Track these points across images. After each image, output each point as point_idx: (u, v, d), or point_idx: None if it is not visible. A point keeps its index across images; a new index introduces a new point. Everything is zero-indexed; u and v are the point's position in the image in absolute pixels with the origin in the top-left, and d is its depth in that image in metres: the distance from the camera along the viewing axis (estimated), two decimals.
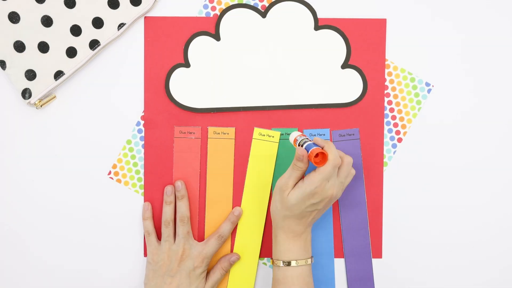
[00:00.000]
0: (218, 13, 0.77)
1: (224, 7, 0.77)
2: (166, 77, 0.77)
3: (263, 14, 0.76)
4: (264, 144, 0.77)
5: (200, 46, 0.76)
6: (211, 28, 0.77)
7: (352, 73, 0.77)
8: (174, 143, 0.77)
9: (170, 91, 0.77)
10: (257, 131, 0.77)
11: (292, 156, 0.77)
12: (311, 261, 0.71)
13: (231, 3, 0.77)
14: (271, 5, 0.76)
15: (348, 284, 0.78)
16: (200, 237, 0.78)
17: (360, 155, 0.77)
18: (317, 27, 0.76)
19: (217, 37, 0.76)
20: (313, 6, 0.76)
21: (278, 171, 0.77)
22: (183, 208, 0.76)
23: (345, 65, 0.77)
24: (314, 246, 0.78)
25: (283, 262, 0.70)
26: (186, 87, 0.77)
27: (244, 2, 0.77)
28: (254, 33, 0.76)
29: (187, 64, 0.77)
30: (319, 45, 0.76)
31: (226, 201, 0.78)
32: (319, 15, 0.77)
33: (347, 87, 0.77)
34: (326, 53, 0.77)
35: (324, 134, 0.77)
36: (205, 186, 0.78)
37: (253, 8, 0.76)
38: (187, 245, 0.74)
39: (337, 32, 0.76)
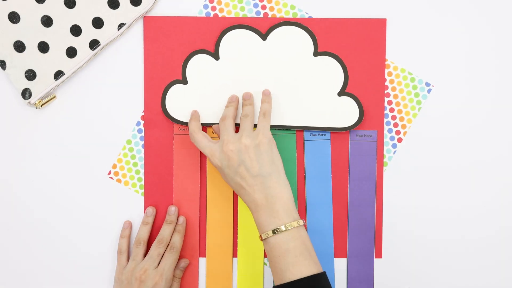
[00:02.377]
0: (219, 13, 0.77)
1: (224, 7, 0.77)
2: (163, 93, 0.77)
3: (264, 36, 0.76)
4: None
5: (198, 64, 0.76)
6: (211, 47, 0.76)
7: (348, 101, 0.76)
8: (174, 140, 0.77)
9: (166, 107, 0.76)
10: None
11: (285, 147, 0.77)
12: (303, 223, 0.67)
13: (231, 3, 0.77)
14: (272, 28, 0.76)
15: (348, 284, 0.78)
16: (201, 237, 0.78)
17: (375, 157, 0.77)
18: (317, 53, 0.76)
19: (216, 56, 0.76)
20: (313, 6, 0.76)
21: None
22: (167, 232, 0.75)
23: (341, 93, 0.76)
24: (314, 246, 0.78)
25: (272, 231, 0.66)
26: (182, 104, 0.77)
27: (247, 8, 0.76)
28: (253, 55, 0.76)
29: (184, 81, 0.77)
30: (318, 71, 0.76)
31: (226, 202, 0.78)
32: (318, 16, 0.77)
33: (343, 114, 0.76)
34: (324, 79, 0.76)
35: (324, 134, 0.77)
36: (205, 185, 0.78)
37: (254, 30, 0.76)
38: (151, 266, 0.73)
39: (336, 60, 0.76)
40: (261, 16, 0.77)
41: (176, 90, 0.77)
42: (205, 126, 0.77)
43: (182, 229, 0.76)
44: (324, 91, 0.76)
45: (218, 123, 0.76)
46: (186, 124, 0.77)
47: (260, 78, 0.76)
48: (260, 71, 0.76)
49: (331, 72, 0.76)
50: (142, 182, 0.78)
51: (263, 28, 0.76)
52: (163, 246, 0.74)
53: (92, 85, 0.77)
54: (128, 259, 0.76)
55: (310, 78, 0.76)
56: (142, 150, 0.78)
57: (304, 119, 0.76)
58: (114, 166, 0.78)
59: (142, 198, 0.78)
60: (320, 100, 0.76)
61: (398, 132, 0.78)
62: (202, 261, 0.78)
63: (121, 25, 0.75)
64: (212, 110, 0.76)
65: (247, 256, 0.78)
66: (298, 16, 0.77)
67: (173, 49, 0.77)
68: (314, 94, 0.76)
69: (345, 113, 0.76)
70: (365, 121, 0.77)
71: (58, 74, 0.75)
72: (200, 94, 0.76)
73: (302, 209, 0.78)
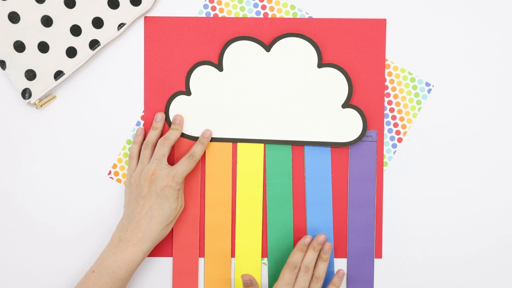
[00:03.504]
0: (219, 13, 0.77)
1: (224, 7, 0.77)
2: (167, 104, 0.77)
3: (268, 48, 0.76)
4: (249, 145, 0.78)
5: (202, 75, 0.76)
6: (215, 58, 0.76)
7: (352, 113, 0.76)
8: (175, 149, 0.78)
9: (170, 118, 0.77)
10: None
11: (280, 158, 0.77)
12: None
13: (231, 3, 0.77)
14: (276, 39, 0.76)
15: (348, 284, 0.78)
16: (201, 238, 0.78)
17: (375, 157, 0.77)
18: (321, 64, 0.76)
19: (220, 67, 0.76)
20: (314, 6, 0.76)
21: (270, 162, 0.77)
22: (173, 135, 0.75)
23: (346, 105, 0.76)
24: None
25: None
26: (186, 115, 0.77)
27: (247, 8, 0.76)
28: (257, 66, 0.76)
29: (188, 92, 0.77)
30: (322, 82, 0.76)
31: (225, 203, 0.78)
32: (319, 16, 0.77)
33: (347, 127, 0.76)
34: (328, 91, 0.76)
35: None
36: (205, 186, 0.78)
37: (258, 41, 0.76)
38: (158, 166, 0.73)
39: (340, 71, 0.76)
40: (261, 16, 0.77)
41: (179, 102, 0.77)
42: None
43: (206, 142, 0.76)
44: (328, 103, 0.76)
45: (221, 138, 0.77)
46: (189, 137, 0.77)
47: (264, 89, 0.76)
48: (264, 82, 0.76)
49: (335, 84, 0.76)
50: None
51: (266, 38, 0.76)
52: (166, 145, 0.74)
53: (92, 85, 0.77)
54: (136, 164, 0.76)
55: (314, 90, 0.76)
56: None
57: (306, 134, 0.76)
58: (114, 166, 0.78)
59: None
60: (324, 113, 0.76)
61: (398, 132, 0.78)
62: (201, 261, 0.78)
63: (121, 25, 0.75)
64: (216, 122, 0.77)
65: (245, 256, 0.78)
66: (298, 16, 0.77)
67: (174, 51, 0.77)
68: (318, 106, 0.76)
69: (348, 127, 0.76)
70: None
71: (58, 74, 0.75)
72: (204, 105, 0.77)
73: (302, 210, 0.78)
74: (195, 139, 0.77)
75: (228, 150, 0.77)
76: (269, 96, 0.76)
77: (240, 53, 0.76)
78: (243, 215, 0.78)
